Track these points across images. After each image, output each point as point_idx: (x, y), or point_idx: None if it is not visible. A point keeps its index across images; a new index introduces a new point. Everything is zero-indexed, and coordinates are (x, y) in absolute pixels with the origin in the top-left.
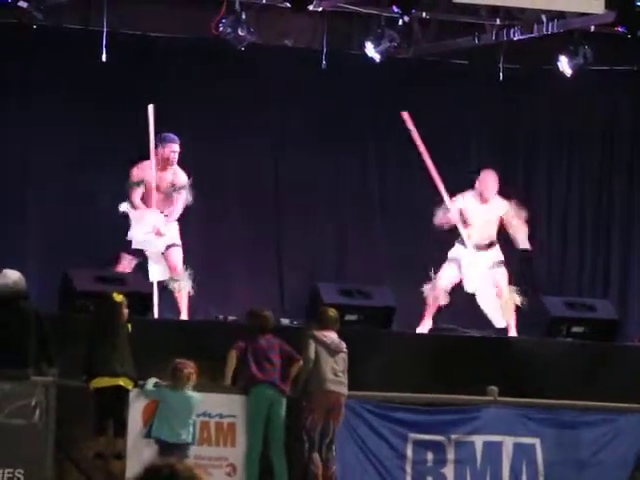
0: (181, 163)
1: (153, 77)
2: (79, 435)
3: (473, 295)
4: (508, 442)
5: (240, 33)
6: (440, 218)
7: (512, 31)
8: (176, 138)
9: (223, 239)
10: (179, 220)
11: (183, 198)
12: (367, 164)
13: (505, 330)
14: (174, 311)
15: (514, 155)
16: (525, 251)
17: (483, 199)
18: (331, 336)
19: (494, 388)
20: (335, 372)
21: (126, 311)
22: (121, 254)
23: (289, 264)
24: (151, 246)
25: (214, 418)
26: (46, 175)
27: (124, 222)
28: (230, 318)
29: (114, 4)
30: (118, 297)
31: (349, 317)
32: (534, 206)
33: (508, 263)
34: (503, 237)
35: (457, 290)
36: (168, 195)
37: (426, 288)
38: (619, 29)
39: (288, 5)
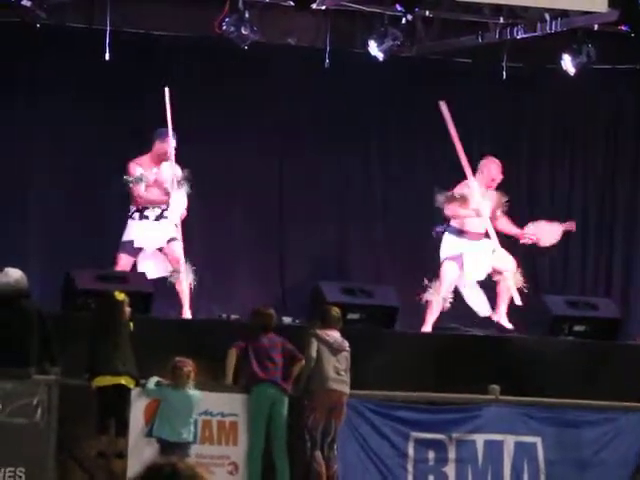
0: (184, 161)
1: (156, 76)
2: (81, 434)
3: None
4: (509, 441)
5: (243, 32)
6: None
7: (515, 30)
8: (173, 133)
9: (226, 237)
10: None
11: (184, 191)
12: (370, 163)
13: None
14: (176, 306)
15: (517, 154)
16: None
17: (486, 187)
18: (334, 335)
19: (495, 387)
20: (337, 371)
21: (128, 310)
22: (118, 255)
23: (292, 263)
24: (153, 243)
25: (216, 417)
26: (49, 173)
27: (126, 222)
28: (233, 317)
29: (117, 3)
30: (120, 296)
31: (351, 316)
32: (537, 204)
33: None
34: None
35: (458, 289)
36: (167, 189)
37: (428, 294)
38: (622, 28)
39: (291, 3)
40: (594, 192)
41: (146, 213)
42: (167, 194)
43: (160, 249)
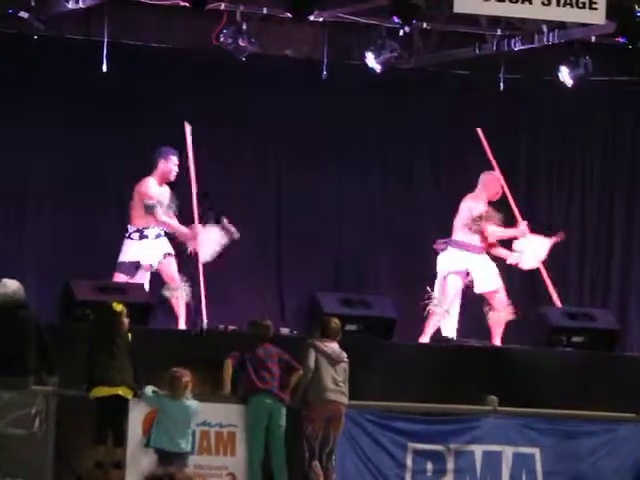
0: (180, 173)
1: (154, 87)
2: (79, 444)
3: (474, 303)
4: (508, 452)
5: (241, 43)
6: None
7: (513, 41)
8: (176, 152)
9: (224, 248)
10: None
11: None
12: (368, 174)
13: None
14: (172, 319)
15: (515, 165)
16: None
17: (487, 202)
18: (332, 346)
19: (494, 398)
20: (335, 382)
21: (126, 321)
22: (115, 274)
23: (290, 274)
24: (150, 260)
25: (214, 427)
26: (46, 184)
27: (123, 234)
28: (230, 328)
29: (115, 14)
30: (118, 307)
31: (349, 327)
32: (535, 216)
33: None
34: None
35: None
36: (169, 209)
37: (431, 305)
38: (620, 40)
39: (289, 15)
40: (592, 203)
41: (146, 233)
42: (170, 214)
43: (155, 265)
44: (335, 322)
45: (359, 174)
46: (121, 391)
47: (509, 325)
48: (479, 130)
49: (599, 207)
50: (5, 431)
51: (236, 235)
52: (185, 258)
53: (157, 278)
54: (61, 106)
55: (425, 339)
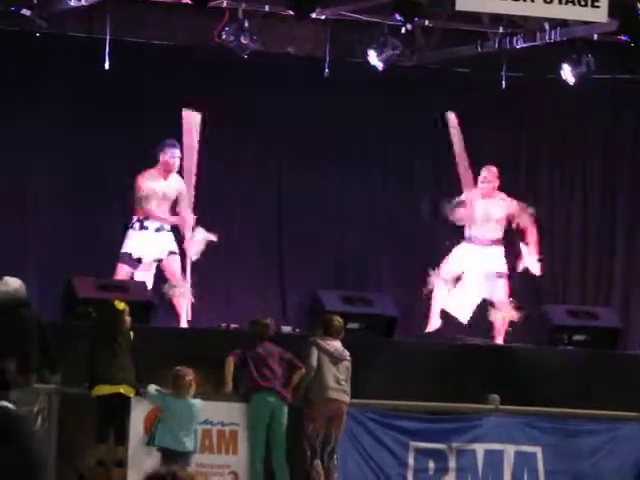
0: (182, 172)
1: (156, 85)
2: (81, 443)
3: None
4: (510, 450)
5: (243, 41)
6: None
7: (515, 39)
8: (177, 144)
9: (226, 247)
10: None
11: (186, 204)
12: (370, 172)
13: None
14: (173, 318)
15: (517, 163)
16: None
17: (484, 195)
18: (334, 344)
19: (496, 396)
20: (337, 380)
21: (128, 319)
22: (118, 265)
23: (291, 272)
24: (151, 255)
25: (216, 426)
26: (48, 182)
27: (125, 232)
28: (232, 326)
29: (117, 12)
30: (120, 305)
31: (351, 325)
32: (536, 214)
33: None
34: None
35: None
36: (169, 202)
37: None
38: (622, 37)
39: (291, 13)
40: (594, 202)
41: (146, 224)
42: (174, 207)
43: (159, 261)
44: (338, 320)
45: (360, 173)
46: (123, 389)
47: (511, 324)
48: (451, 115)
49: (601, 205)
50: None
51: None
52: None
53: (159, 275)
54: (63, 104)
55: (434, 322)
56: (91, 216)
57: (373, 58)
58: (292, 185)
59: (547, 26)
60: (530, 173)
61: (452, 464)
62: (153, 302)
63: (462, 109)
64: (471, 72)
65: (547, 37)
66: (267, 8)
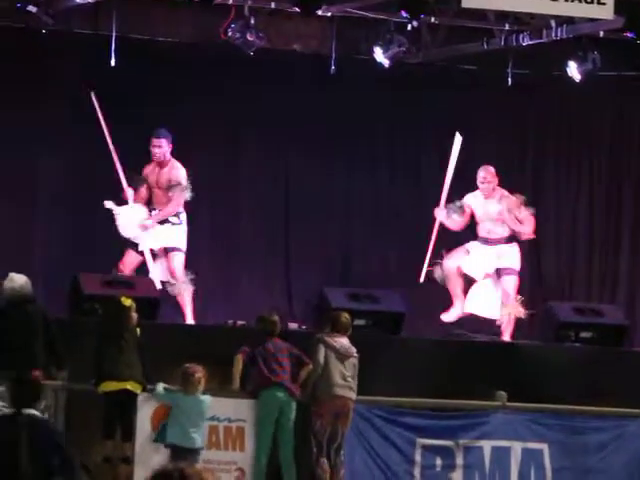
0: (190, 167)
1: (162, 82)
2: (87, 439)
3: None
4: (516, 447)
5: (249, 38)
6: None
7: (521, 36)
8: (163, 132)
9: (232, 244)
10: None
11: (177, 195)
12: (376, 169)
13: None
14: (179, 314)
15: (523, 160)
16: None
17: (486, 195)
18: (341, 341)
19: (502, 393)
20: (344, 377)
21: (135, 315)
22: (128, 250)
23: (298, 269)
24: (142, 241)
25: (223, 422)
26: (54, 178)
27: None
28: (239, 323)
29: (123, 9)
30: (127, 301)
31: (357, 322)
32: (543, 211)
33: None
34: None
35: None
36: (165, 192)
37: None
38: (628, 34)
39: (297, 10)
40: (600, 199)
41: (131, 213)
42: (167, 196)
43: (164, 252)
44: (345, 317)
45: (367, 169)
46: (130, 386)
47: (518, 321)
48: (458, 137)
49: (607, 202)
50: None
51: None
52: None
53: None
54: (69, 101)
55: (452, 317)
56: (98, 212)
57: (379, 55)
58: (299, 182)
59: (553, 23)
60: (536, 170)
61: (459, 461)
62: (159, 299)
63: (468, 106)
64: (477, 69)
65: (553, 34)
66: (273, 5)
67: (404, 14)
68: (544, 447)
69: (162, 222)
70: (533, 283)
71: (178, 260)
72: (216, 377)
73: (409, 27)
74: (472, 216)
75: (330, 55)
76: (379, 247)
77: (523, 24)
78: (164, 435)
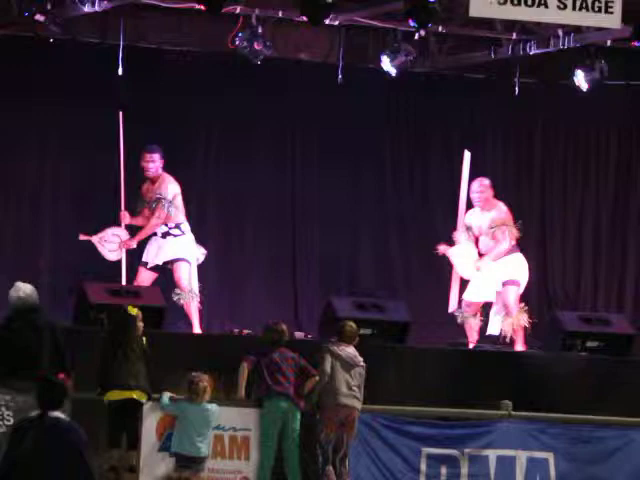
0: (196, 177)
1: (169, 91)
2: (93, 448)
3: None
4: (522, 456)
5: (256, 47)
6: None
7: (528, 45)
8: (154, 147)
9: (239, 253)
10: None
11: (159, 210)
12: (384, 178)
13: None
14: (186, 324)
15: (530, 169)
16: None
17: (481, 207)
18: (348, 350)
19: (508, 402)
20: (349, 386)
21: (141, 324)
22: (139, 268)
23: (304, 277)
24: (158, 259)
25: (228, 431)
26: (61, 188)
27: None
28: (245, 332)
29: (131, 18)
30: (133, 310)
31: (363, 331)
32: (549, 220)
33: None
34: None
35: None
36: (151, 207)
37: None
38: (635, 44)
39: (304, 19)
40: (607, 208)
41: (157, 230)
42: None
43: (165, 265)
44: (350, 325)
45: (374, 177)
46: (135, 395)
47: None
48: (467, 153)
49: (614, 211)
50: None
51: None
52: None
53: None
54: (77, 109)
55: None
56: (105, 221)
57: (386, 64)
58: (305, 191)
59: (560, 32)
60: (543, 179)
61: (464, 470)
62: (165, 308)
63: (475, 115)
64: (484, 78)
65: (560, 43)
66: (281, 14)
67: (411, 23)
68: (550, 456)
69: (164, 236)
70: (539, 292)
71: (183, 270)
72: (222, 386)
73: (416, 36)
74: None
75: (337, 64)
76: (386, 255)
77: (530, 33)
78: (169, 444)
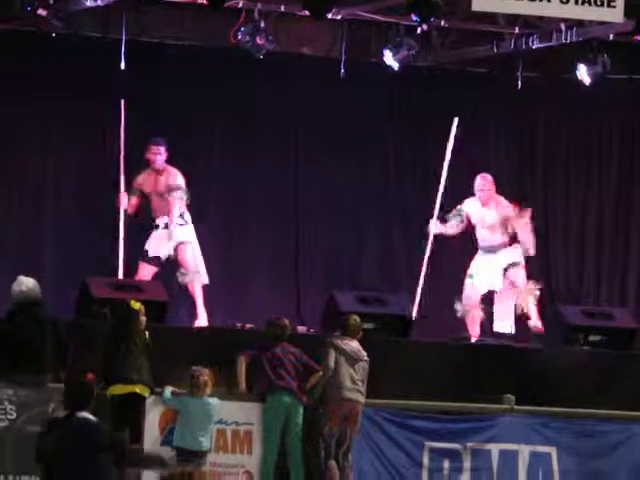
0: (197, 171)
1: (171, 86)
2: None
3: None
4: (524, 450)
5: (259, 41)
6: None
7: (531, 39)
8: (159, 140)
9: (241, 247)
10: (194, 222)
11: (177, 199)
12: (387, 172)
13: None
14: (191, 312)
15: (532, 163)
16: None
17: (482, 203)
18: (352, 344)
19: (511, 396)
20: (353, 380)
21: (144, 319)
22: (140, 263)
23: (307, 271)
24: (164, 251)
25: (230, 425)
26: (64, 182)
27: (140, 231)
28: (247, 326)
29: (133, 12)
30: (136, 305)
31: (366, 325)
32: (552, 214)
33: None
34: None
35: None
36: (164, 198)
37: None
38: (638, 38)
39: (307, 13)
40: (610, 202)
41: (157, 222)
42: (166, 202)
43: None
44: (354, 319)
45: (377, 171)
46: (138, 389)
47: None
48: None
49: (616, 206)
50: (22, 429)
51: None
52: None
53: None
54: (79, 103)
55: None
56: (107, 215)
57: (389, 58)
58: (308, 185)
59: (563, 26)
60: (546, 173)
61: (467, 464)
62: (168, 301)
63: (477, 109)
64: (487, 72)
65: (563, 37)
66: (283, 8)
67: (414, 17)
68: (552, 450)
69: (167, 226)
70: (542, 286)
71: (188, 250)
72: (224, 380)
73: (419, 30)
74: (469, 222)
75: (340, 58)
76: (389, 249)
77: (533, 27)
78: (171, 438)
